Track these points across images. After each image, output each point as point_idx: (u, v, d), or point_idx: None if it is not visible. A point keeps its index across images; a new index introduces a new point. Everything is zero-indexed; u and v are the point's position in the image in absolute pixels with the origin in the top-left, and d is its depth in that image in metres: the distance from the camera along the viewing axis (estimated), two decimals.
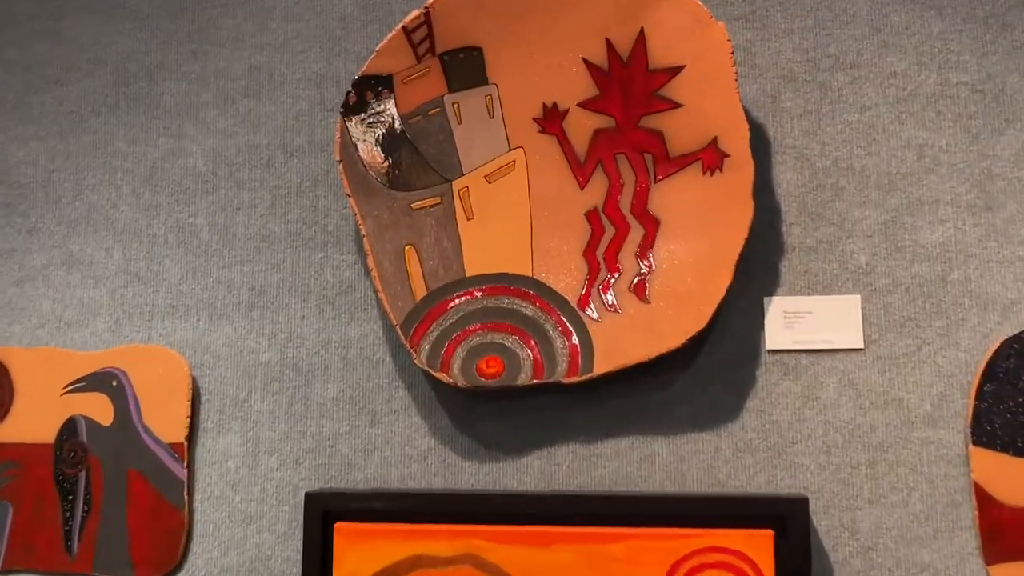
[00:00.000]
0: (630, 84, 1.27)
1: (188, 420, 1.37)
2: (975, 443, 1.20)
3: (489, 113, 1.31)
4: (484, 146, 1.31)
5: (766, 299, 1.28)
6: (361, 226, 1.29)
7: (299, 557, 1.33)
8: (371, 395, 1.36)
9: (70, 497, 1.39)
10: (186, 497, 1.36)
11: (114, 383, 1.39)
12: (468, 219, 1.31)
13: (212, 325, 1.41)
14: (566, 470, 1.30)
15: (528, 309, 1.29)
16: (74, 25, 1.52)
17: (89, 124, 1.49)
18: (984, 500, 1.19)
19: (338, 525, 1.25)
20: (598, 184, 1.29)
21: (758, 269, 1.29)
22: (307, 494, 1.26)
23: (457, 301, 1.30)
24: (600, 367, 1.24)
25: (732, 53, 1.22)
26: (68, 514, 1.38)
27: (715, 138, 1.23)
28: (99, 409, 1.39)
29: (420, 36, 1.30)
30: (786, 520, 1.15)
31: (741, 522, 1.16)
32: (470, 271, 1.31)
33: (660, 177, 1.27)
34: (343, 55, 1.43)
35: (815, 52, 1.32)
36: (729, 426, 1.27)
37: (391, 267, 1.29)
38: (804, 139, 1.30)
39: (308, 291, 1.39)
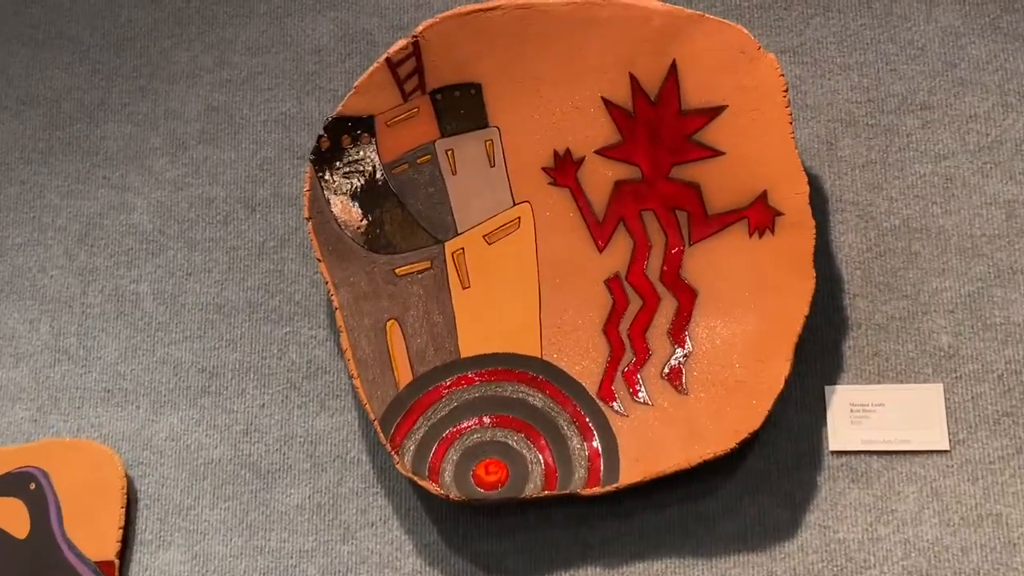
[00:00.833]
0: (659, 127, 1.22)
1: (121, 532, 1.29)
2: None
3: (489, 161, 1.28)
4: (483, 200, 1.28)
5: (827, 388, 1.21)
6: (333, 296, 1.24)
7: None
8: (343, 503, 1.29)
9: None
10: None
11: (32, 486, 1.32)
12: (464, 288, 1.27)
13: (154, 414, 1.36)
14: None
15: (537, 399, 1.23)
16: (1, 57, 1.53)
17: (16, 173, 1.48)
18: None
19: None
20: (620, 246, 1.25)
21: (817, 352, 1.22)
22: None
23: (449, 389, 1.24)
24: (627, 476, 1.15)
25: (786, 91, 1.17)
26: None
27: (764, 192, 1.18)
28: (12, 518, 1.32)
29: (407, 70, 1.26)
30: None
31: None
32: (465, 351, 1.26)
33: (696, 239, 1.22)
34: (316, 93, 1.42)
35: (878, 91, 1.29)
36: (785, 546, 1.18)
37: (369, 347, 1.23)
38: (868, 194, 1.26)
39: (269, 374, 1.35)
